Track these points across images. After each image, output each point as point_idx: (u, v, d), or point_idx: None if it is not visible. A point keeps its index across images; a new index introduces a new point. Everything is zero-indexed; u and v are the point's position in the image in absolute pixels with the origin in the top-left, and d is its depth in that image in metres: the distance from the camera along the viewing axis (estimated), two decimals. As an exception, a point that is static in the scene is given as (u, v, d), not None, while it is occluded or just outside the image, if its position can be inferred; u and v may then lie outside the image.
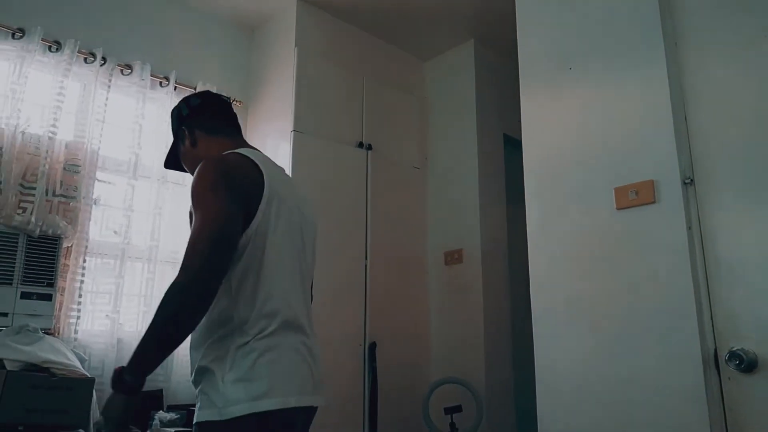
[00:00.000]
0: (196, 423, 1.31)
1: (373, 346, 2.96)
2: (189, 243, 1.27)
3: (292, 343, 1.37)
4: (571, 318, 2.10)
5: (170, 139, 1.69)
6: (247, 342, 1.31)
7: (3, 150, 2.36)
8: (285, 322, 1.37)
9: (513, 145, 3.32)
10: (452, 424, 2.82)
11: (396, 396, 3.01)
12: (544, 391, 2.13)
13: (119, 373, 1.26)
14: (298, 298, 1.44)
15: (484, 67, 3.49)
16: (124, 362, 2.48)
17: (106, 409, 1.26)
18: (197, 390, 1.36)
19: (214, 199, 1.30)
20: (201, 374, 1.34)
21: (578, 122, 2.20)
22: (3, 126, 2.40)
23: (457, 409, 2.84)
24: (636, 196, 1.97)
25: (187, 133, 1.57)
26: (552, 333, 2.14)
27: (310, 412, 1.43)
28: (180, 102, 1.65)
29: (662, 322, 1.85)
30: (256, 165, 1.42)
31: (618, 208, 2.02)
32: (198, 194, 1.34)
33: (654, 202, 1.92)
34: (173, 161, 1.68)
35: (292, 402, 1.31)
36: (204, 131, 1.57)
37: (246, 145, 1.59)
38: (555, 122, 2.28)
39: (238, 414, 1.25)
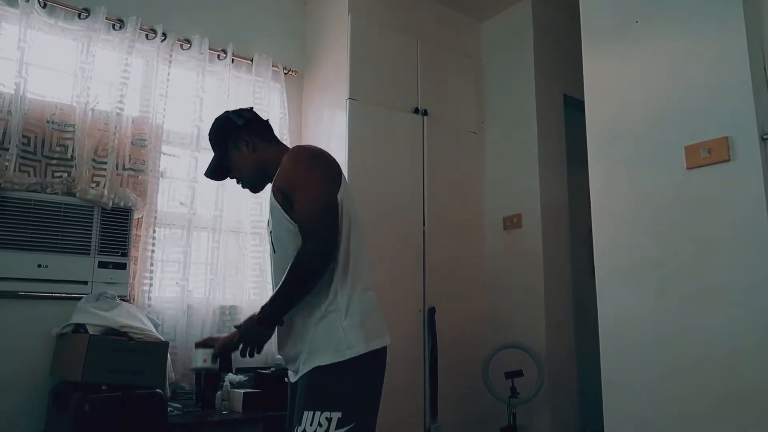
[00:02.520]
0: (315, 368, 1.50)
1: (432, 311, 2.98)
2: (307, 215, 1.51)
3: (373, 295, 1.63)
4: (637, 280, 2.04)
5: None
6: (354, 294, 1.55)
7: (75, 127, 2.48)
8: (368, 276, 1.64)
9: (573, 106, 3.21)
10: (513, 389, 2.83)
11: (456, 360, 3.04)
12: (609, 355, 2.10)
13: (262, 311, 1.52)
14: (369, 258, 1.68)
15: (543, 25, 3.36)
16: (195, 326, 2.62)
17: (246, 333, 1.53)
18: (300, 343, 1.55)
19: (319, 177, 1.56)
20: (314, 326, 1.54)
21: (645, 78, 2.10)
22: (74, 104, 2.51)
23: (518, 373, 2.84)
24: (708, 154, 1.87)
25: (246, 140, 1.72)
26: (617, 296, 2.10)
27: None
28: (228, 115, 1.78)
29: (738, 283, 1.78)
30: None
31: (688, 168, 1.93)
32: (300, 175, 1.56)
33: (729, 160, 1.83)
34: (216, 170, 1.81)
35: (387, 340, 1.60)
36: (260, 139, 1.73)
37: None
38: (619, 79, 2.19)
39: (356, 354, 1.49)
